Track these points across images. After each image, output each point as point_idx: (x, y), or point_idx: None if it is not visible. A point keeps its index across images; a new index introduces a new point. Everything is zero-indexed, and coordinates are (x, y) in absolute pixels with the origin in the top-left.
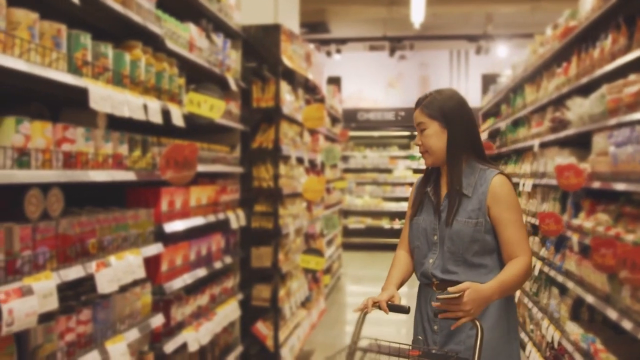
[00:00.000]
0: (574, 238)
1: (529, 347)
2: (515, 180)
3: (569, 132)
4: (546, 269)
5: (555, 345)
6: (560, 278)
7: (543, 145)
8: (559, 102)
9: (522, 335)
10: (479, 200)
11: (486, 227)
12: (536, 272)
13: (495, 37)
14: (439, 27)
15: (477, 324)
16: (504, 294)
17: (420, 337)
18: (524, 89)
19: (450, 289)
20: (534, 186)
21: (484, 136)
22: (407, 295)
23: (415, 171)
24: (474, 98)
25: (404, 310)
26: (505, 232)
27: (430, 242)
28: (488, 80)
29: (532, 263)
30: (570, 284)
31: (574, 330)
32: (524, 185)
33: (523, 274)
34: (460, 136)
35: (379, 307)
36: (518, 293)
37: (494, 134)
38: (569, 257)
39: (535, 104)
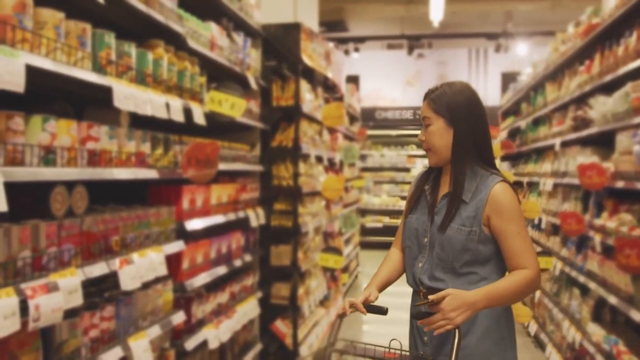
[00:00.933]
0: (597, 238)
1: (549, 348)
2: (535, 179)
3: (592, 130)
4: (567, 269)
5: (576, 347)
6: (581, 279)
7: (564, 144)
8: (581, 100)
9: (542, 336)
10: (476, 208)
11: (480, 237)
12: (557, 272)
13: (515, 35)
14: (458, 25)
15: (456, 330)
16: (493, 302)
17: (396, 339)
18: (545, 87)
19: (430, 296)
20: (555, 185)
21: (503, 135)
22: None
23: None
24: (493, 96)
25: (382, 311)
26: (509, 244)
27: (420, 244)
28: (508, 79)
29: (539, 276)
30: (592, 285)
31: (596, 331)
32: (544, 184)
33: (521, 286)
34: (466, 137)
35: (357, 309)
36: (538, 293)
37: (514, 133)
38: (591, 258)
39: (556, 102)
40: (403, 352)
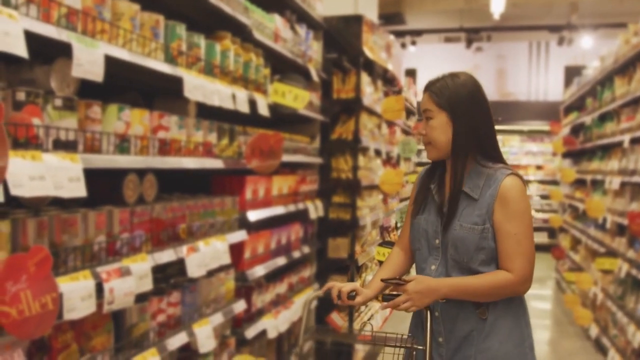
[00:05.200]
0: None
1: (612, 352)
2: (599, 177)
3: None
4: (634, 271)
5: None
6: None
7: (634, 141)
8: None
9: (604, 340)
10: (487, 204)
11: (493, 234)
12: (622, 275)
13: (580, 28)
14: (519, 18)
15: (427, 310)
16: (456, 294)
17: (370, 322)
18: (613, 82)
19: (403, 277)
20: (622, 184)
21: (565, 131)
22: None
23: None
24: (555, 91)
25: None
26: (502, 243)
27: (431, 246)
28: (572, 73)
29: (522, 283)
30: None
31: None
32: (610, 183)
33: (495, 288)
34: (467, 133)
35: (339, 297)
36: (600, 295)
37: (577, 129)
38: None
39: (626, 97)
40: (376, 334)
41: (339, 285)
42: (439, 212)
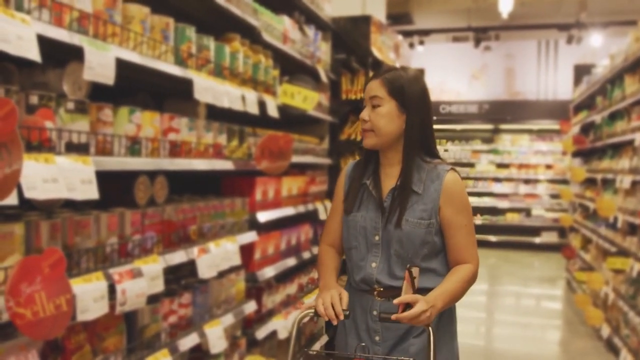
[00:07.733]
0: None
1: (624, 353)
2: (610, 176)
3: None
4: None
5: None
6: None
7: None
8: None
9: (616, 340)
10: (432, 199)
11: (436, 229)
12: (634, 274)
13: (589, 26)
14: (528, 16)
15: (429, 328)
16: (449, 303)
17: (364, 344)
18: (623, 80)
19: (397, 300)
20: (634, 183)
21: (575, 130)
22: None
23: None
24: (564, 90)
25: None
26: (455, 236)
27: (370, 243)
28: (581, 71)
29: (478, 270)
30: None
31: None
32: (621, 181)
33: (468, 283)
34: (417, 126)
35: (335, 314)
36: (612, 295)
37: (587, 128)
38: None
39: (636, 95)
40: (372, 358)
41: (327, 302)
42: (378, 207)
